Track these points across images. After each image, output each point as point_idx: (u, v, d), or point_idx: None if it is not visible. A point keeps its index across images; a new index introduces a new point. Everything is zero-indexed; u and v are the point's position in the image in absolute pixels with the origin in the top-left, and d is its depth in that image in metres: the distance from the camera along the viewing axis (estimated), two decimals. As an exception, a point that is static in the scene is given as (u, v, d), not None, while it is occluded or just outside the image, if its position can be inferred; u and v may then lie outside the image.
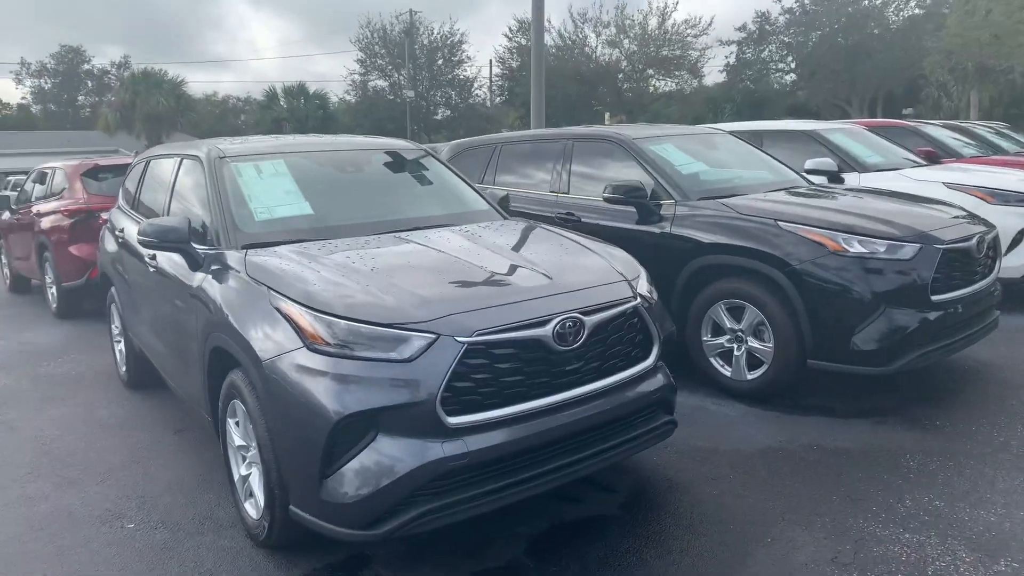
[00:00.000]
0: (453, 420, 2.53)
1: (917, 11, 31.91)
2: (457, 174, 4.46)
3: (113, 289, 5.17)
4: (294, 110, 37.94)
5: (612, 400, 2.92)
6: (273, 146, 4.13)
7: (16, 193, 10.46)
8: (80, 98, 56.46)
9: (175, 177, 4.23)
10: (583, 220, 5.36)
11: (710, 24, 35.20)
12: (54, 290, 7.95)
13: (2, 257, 10.71)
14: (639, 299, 3.07)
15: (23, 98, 56.20)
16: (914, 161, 7.63)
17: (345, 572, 2.86)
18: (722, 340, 4.57)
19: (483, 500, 2.62)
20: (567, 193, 5.62)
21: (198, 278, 3.36)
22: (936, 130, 9.64)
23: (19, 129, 47.52)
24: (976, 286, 4.33)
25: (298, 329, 2.64)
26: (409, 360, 2.51)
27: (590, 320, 2.82)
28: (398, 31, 40.40)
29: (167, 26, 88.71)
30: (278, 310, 2.74)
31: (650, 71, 36.78)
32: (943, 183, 6.47)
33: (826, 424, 4.07)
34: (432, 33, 40.92)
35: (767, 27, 33.13)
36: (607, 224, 5.18)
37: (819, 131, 7.43)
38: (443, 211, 4.00)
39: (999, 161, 8.50)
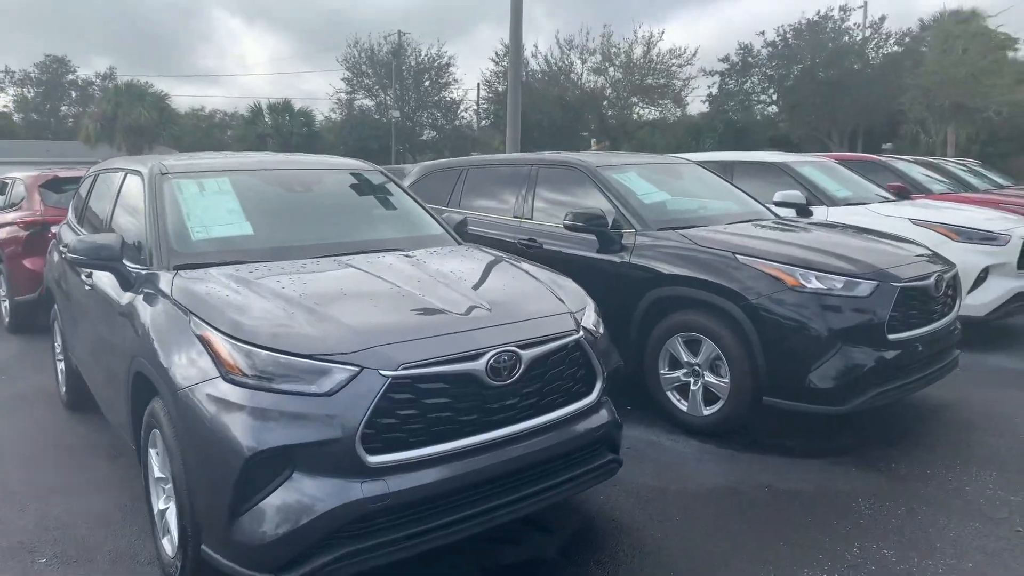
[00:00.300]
0: (374, 459, 2.39)
1: (896, 48, 32.46)
2: (412, 197, 4.36)
3: (56, 306, 4.99)
4: (279, 126, 37.86)
5: (551, 438, 2.80)
6: (220, 164, 4.01)
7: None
8: (63, 108, 55.98)
9: (118, 192, 4.10)
10: (545, 247, 5.27)
11: (695, 55, 35.49)
12: (7, 304, 7.72)
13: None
14: (582, 332, 2.96)
15: (4, 107, 55.70)
16: (883, 196, 7.65)
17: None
18: (679, 374, 4.48)
19: (407, 544, 2.48)
20: (530, 219, 5.53)
21: (127, 298, 3.22)
22: (907, 166, 9.72)
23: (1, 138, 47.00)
24: (935, 325, 4.27)
25: (216, 358, 2.51)
26: (329, 394, 2.38)
27: (528, 354, 2.70)
28: (385, 51, 40.55)
29: (158, 38, 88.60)
30: (198, 336, 2.61)
31: (634, 99, 37.07)
32: (909, 219, 6.47)
33: (781, 464, 3.97)
34: (420, 55, 41.14)
35: (750, 59, 33.57)
36: (568, 252, 5.09)
37: (789, 163, 7.43)
38: (393, 234, 3.90)
39: (967, 198, 8.56)
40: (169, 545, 2.82)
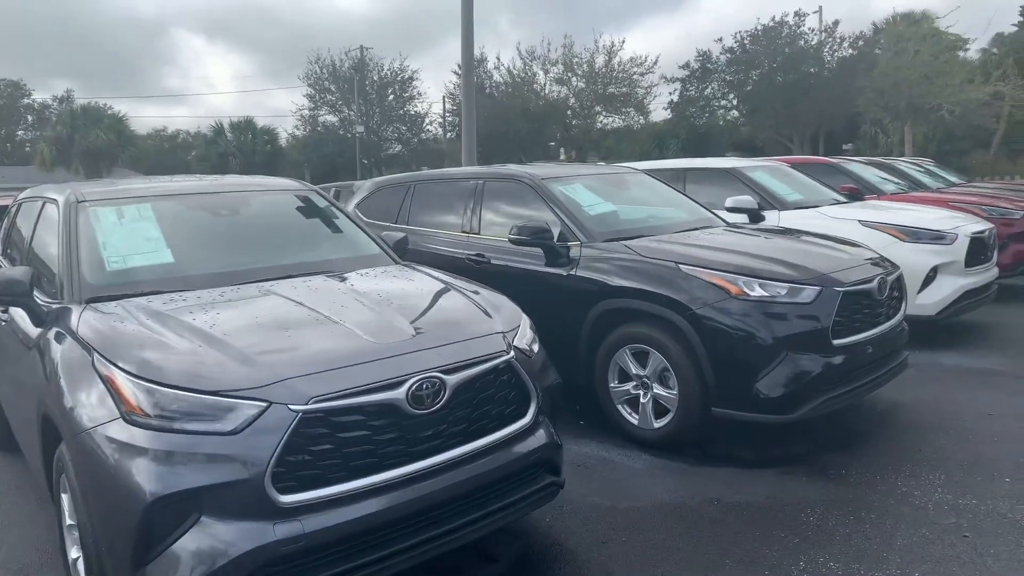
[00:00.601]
0: (287, 498, 2.27)
1: (851, 52, 33.09)
2: (348, 216, 4.24)
3: (-19, 342, 4.77)
4: (241, 145, 37.42)
5: (483, 464, 2.70)
6: (143, 189, 3.85)
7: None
8: (20, 133, 54.88)
9: (36, 222, 3.92)
10: (493, 261, 5.18)
11: (655, 63, 35.84)
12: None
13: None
14: (513, 353, 2.86)
15: (-41, 132, 54.44)
16: (836, 198, 7.69)
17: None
18: (628, 387, 4.40)
19: (330, 584, 2.36)
20: (478, 234, 5.44)
21: (36, 335, 3.06)
22: (860, 167, 9.82)
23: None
24: (880, 328, 4.25)
25: (117, 397, 2.37)
26: (234, 432, 2.25)
27: (453, 379, 2.60)
28: (347, 67, 40.34)
29: (120, 60, 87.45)
30: (100, 376, 2.46)
31: (598, 108, 37.30)
32: (858, 221, 6.49)
33: (732, 476, 3.90)
34: (382, 69, 40.98)
35: (708, 66, 33.98)
36: (516, 266, 5.01)
37: (740, 169, 7.44)
38: (325, 256, 3.77)
39: (917, 198, 8.65)
40: (81, 597, 2.65)
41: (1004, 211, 8.18)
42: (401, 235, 4.35)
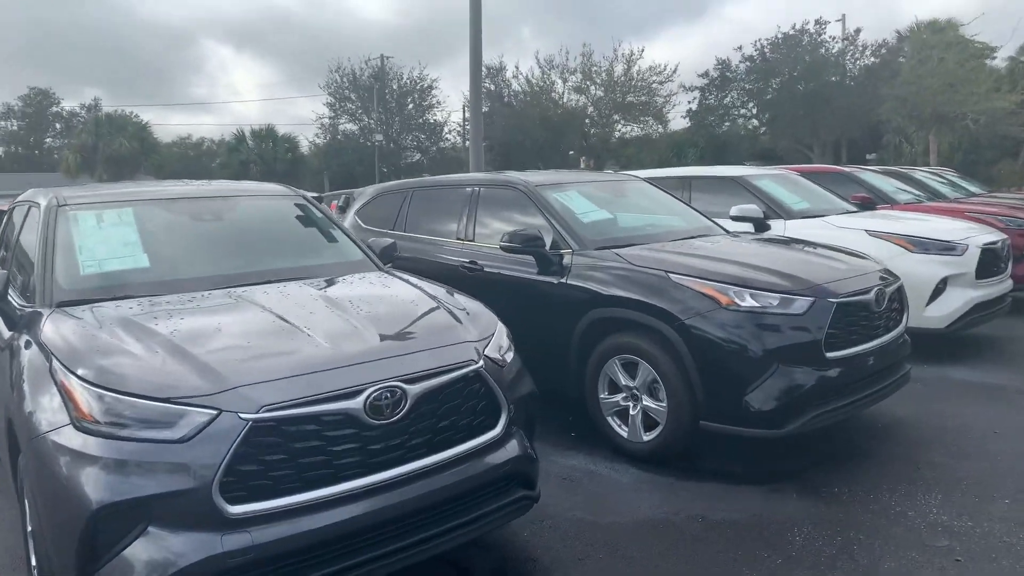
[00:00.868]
0: (236, 509, 2.21)
1: (873, 60, 32.68)
2: (335, 222, 4.21)
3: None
4: (262, 152, 37.80)
5: (447, 477, 2.63)
6: (125, 193, 3.85)
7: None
8: (48, 140, 55.99)
9: (21, 226, 3.93)
10: (486, 269, 5.12)
11: (675, 71, 35.67)
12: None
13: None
14: (482, 362, 2.79)
15: (-11, 140, 55.75)
16: (846, 208, 7.53)
17: None
18: (618, 398, 4.30)
19: (281, 598, 2.30)
20: (472, 241, 5.38)
21: (7, 338, 3.04)
22: (873, 176, 9.63)
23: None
24: (878, 341, 4.11)
25: (70, 403, 2.33)
26: (183, 441, 2.21)
27: (415, 389, 2.54)
28: (367, 76, 40.64)
29: (149, 68, 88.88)
30: (56, 381, 2.43)
31: (616, 116, 37.19)
32: (865, 230, 6.34)
33: (720, 491, 3.79)
34: (402, 78, 41.23)
35: (728, 74, 33.72)
36: (508, 273, 4.94)
37: (746, 177, 7.31)
38: (306, 262, 3.73)
39: (931, 208, 8.46)
40: (39, 605, 2.62)
41: (1022, 222, 7.96)
42: (389, 241, 4.31)
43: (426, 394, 2.57)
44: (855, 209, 7.51)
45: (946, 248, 6.07)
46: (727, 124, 35.32)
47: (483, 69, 38.53)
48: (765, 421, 3.76)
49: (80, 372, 2.38)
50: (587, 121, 37.28)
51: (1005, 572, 2.92)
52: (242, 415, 2.24)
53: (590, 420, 4.50)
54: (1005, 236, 6.69)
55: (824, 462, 4.10)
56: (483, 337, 2.96)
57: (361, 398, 2.40)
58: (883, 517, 3.43)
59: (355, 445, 2.41)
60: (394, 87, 41.39)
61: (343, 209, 7.44)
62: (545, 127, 35.91)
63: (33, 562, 2.71)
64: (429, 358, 2.66)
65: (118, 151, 31.00)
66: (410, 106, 42.12)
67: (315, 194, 10.46)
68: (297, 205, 4.20)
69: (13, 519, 3.82)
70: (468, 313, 3.14)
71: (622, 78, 36.03)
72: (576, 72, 36.34)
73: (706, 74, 34.38)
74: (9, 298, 3.30)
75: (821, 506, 3.57)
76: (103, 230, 3.48)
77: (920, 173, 12.09)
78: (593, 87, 36.50)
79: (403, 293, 3.31)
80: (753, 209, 6.69)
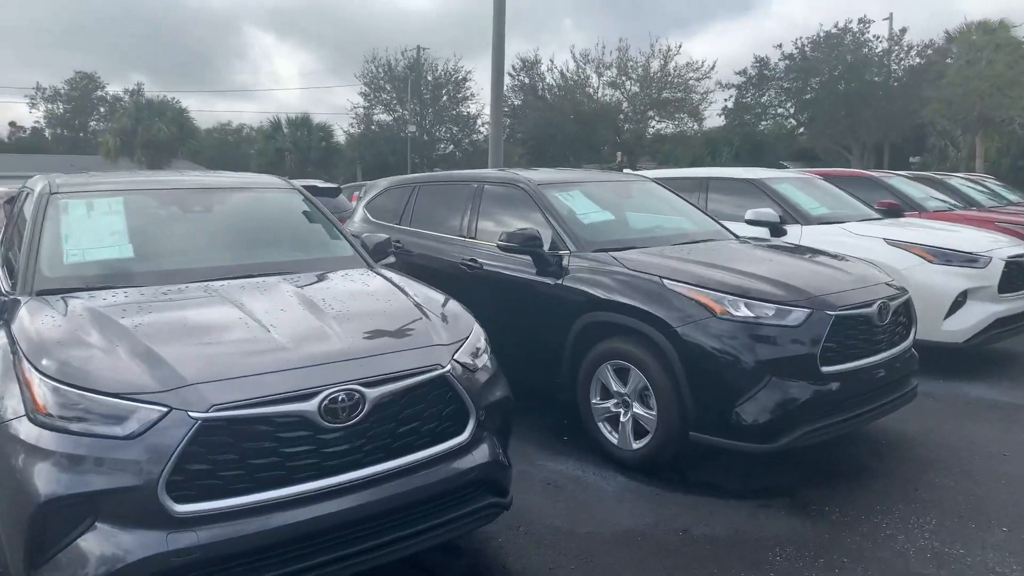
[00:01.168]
0: (182, 508, 2.20)
1: (918, 60, 31.79)
2: (328, 217, 4.18)
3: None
4: (297, 141, 38.15)
5: (409, 482, 2.59)
6: (119, 182, 3.88)
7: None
8: (92, 124, 57.32)
9: (19, 212, 3.98)
10: (485, 267, 5.06)
11: (712, 67, 35.13)
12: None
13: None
14: (450, 366, 2.74)
15: (36, 123, 57.22)
16: (869, 214, 7.30)
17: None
18: (609, 404, 4.22)
19: (228, 600, 2.28)
20: (474, 238, 5.32)
21: (-10, 325, 3.07)
22: (903, 182, 9.34)
23: (30, 153, 48.24)
24: (880, 356, 3.96)
25: (28, 395, 2.34)
26: (131, 437, 2.20)
27: (375, 392, 2.49)
28: (402, 67, 40.78)
29: (193, 55, 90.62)
30: (17, 370, 2.44)
31: (651, 113, 36.77)
32: (884, 239, 6.13)
33: (706, 505, 3.69)
34: (436, 69, 41.28)
35: (766, 72, 33.10)
36: (507, 273, 4.87)
37: (764, 180, 7.13)
38: (291, 257, 3.72)
39: (961, 217, 8.17)
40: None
41: (1057, 234, 7.63)
42: (383, 237, 4.27)
43: (386, 398, 2.52)
44: (878, 216, 7.28)
45: (968, 259, 5.84)
46: (764, 123, 34.73)
47: (519, 62, 38.12)
48: (755, 435, 3.65)
49: (39, 364, 2.39)
50: (621, 117, 36.93)
51: (992, 606, 2.79)
52: (191, 413, 2.22)
53: (583, 425, 4.42)
54: (1033, 249, 6.41)
55: (819, 478, 3.97)
56: (455, 340, 2.91)
57: (316, 400, 2.37)
58: (871, 540, 3.31)
59: (309, 447, 2.38)
60: (429, 78, 41.48)
61: None
62: (578, 121, 35.66)
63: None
64: (392, 361, 2.62)
65: (156, 136, 31.59)
66: (444, 98, 42.18)
67: (334, 185, 10.52)
68: (291, 199, 4.19)
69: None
70: (445, 315, 3.09)
71: (658, 74, 35.61)
72: (612, 67, 36.02)
73: (744, 72, 33.81)
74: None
75: (808, 525, 3.46)
76: (92, 219, 3.51)
77: (956, 180, 11.70)
78: (628, 82, 36.14)
79: (381, 293, 3.26)
80: (769, 213, 6.54)
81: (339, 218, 7.47)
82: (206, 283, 3.16)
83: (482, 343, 3.10)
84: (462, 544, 3.29)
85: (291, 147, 37.97)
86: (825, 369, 3.71)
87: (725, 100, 34.98)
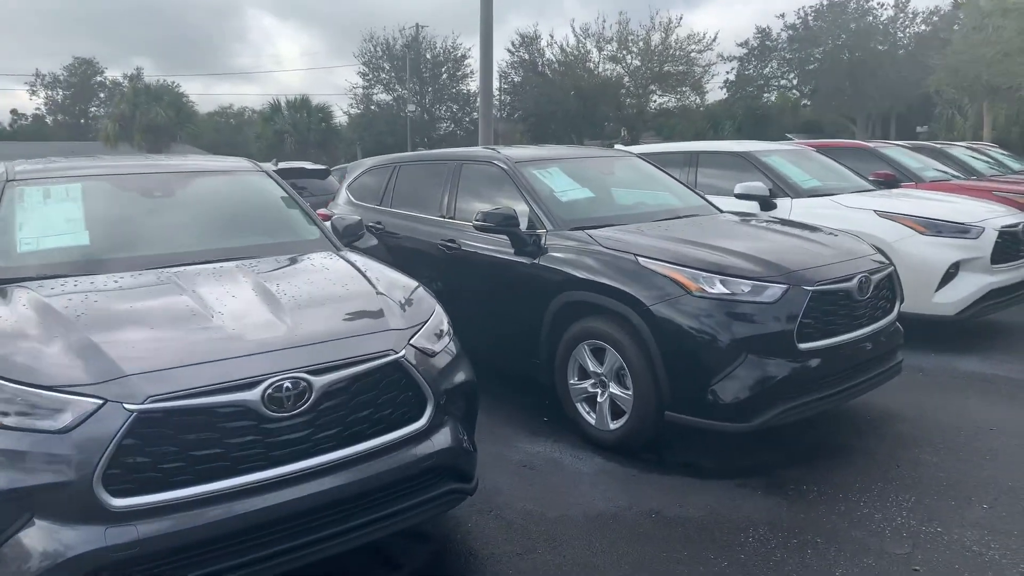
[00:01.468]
0: (120, 502, 2.14)
1: (924, 28, 31.24)
2: (296, 200, 4.09)
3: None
4: (296, 123, 37.94)
5: (362, 470, 2.53)
6: (79, 168, 3.78)
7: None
8: (92, 109, 57.14)
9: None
10: (463, 248, 4.98)
11: (714, 40, 34.61)
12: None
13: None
14: (405, 351, 2.67)
15: (36, 109, 57.12)
16: (863, 186, 7.16)
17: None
18: (587, 384, 4.15)
19: (173, 594, 2.24)
20: (452, 218, 5.23)
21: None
22: (899, 152, 9.16)
23: (32, 140, 48.16)
24: (861, 331, 3.87)
25: (-36, 388, 2.28)
26: (64, 431, 2.14)
27: (322, 380, 2.43)
28: (400, 45, 40.39)
29: (193, 39, 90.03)
30: (-45, 365, 2.38)
31: (653, 87, 36.35)
32: (874, 211, 6.01)
33: (681, 486, 3.63)
34: (435, 47, 40.88)
35: (768, 43, 32.60)
36: (485, 253, 4.79)
37: (754, 153, 6.99)
38: (254, 241, 3.63)
39: (957, 187, 8.02)
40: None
41: (1056, 203, 7.49)
42: (355, 219, 4.18)
43: (335, 385, 2.46)
44: (871, 187, 7.14)
45: (959, 230, 5.71)
46: (767, 95, 34.29)
47: (518, 38, 37.57)
48: (731, 414, 3.57)
49: None
50: (622, 92, 36.52)
51: (965, 586, 2.73)
52: (127, 405, 2.16)
53: (562, 406, 4.36)
54: (1029, 218, 6.28)
55: (800, 457, 3.90)
56: (413, 325, 2.83)
57: (259, 389, 2.30)
58: (847, 519, 3.24)
59: (254, 438, 2.32)
60: (428, 57, 41.09)
61: None
62: (578, 97, 35.31)
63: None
64: (342, 348, 2.54)
65: (154, 120, 31.44)
66: (444, 76, 41.82)
67: (322, 166, 10.41)
68: (259, 182, 4.11)
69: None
70: (405, 299, 3.01)
71: (659, 47, 35.15)
72: (612, 41, 35.57)
73: (745, 43, 33.32)
74: None
75: (784, 505, 3.39)
76: (48, 206, 3.44)
77: (957, 149, 11.49)
78: (629, 56, 35.70)
79: (341, 278, 3.18)
80: (759, 187, 6.43)
81: (328, 200, 7.40)
82: (161, 270, 3.09)
83: (444, 327, 3.03)
84: (431, 529, 3.25)
85: (290, 129, 37.77)
86: (803, 346, 3.62)
87: (727, 73, 34.55)
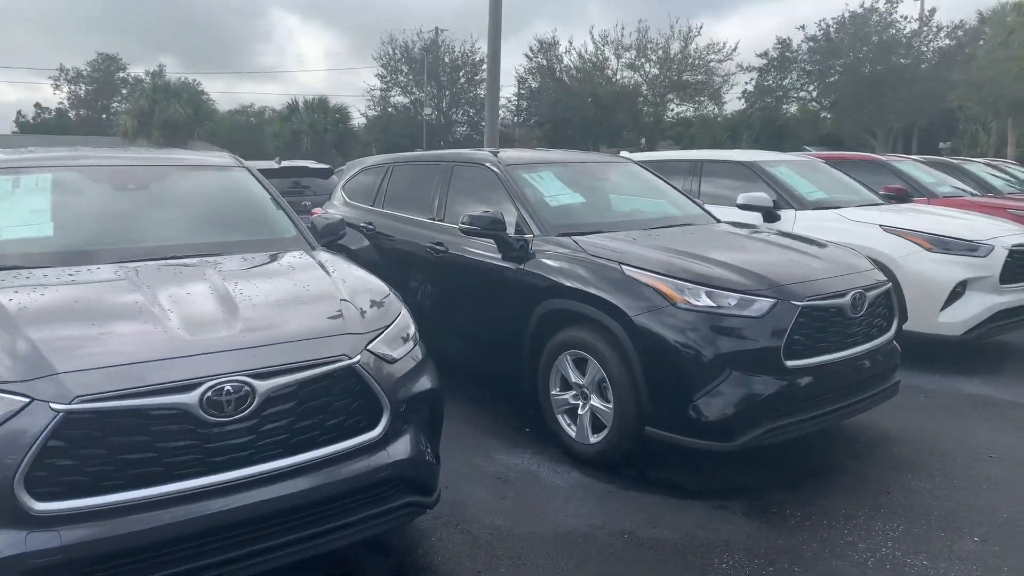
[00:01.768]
0: (42, 506, 2.04)
1: (948, 42, 30.79)
2: (274, 197, 3.99)
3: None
4: (313, 123, 38.09)
5: (309, 480, 2.41)
6: (53, 158, 3.71)
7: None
8: (114, 105, 57.73)
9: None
10: (451, 251, 4.86)
11: (734, 49, 34.35)
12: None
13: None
14: (360, 357, 2.55)
15: (60, 103, 57.85)
16: (872, 199, 6.97)
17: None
18: (568, 396, 4.02)
19: (103, 604, 2.12)
20: (443, 221, 5.12)
21: None
22: (912, 166, 8.95)
23: (53, 133, 48.74)
24: (854, 350, 3.71)
25: None
26: (-15, 431, 2.03)
27: (266, 384, 2.31)
28: (419, 48, 40.48)
29: (217, 37, 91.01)
30: None
31: (671, 95, 36.14)
32: (880, 226, 5.82)
33: (659, 505, 3.48)
34: (453, 51, 40.93)
35: (788, 54, 32.26)
36: (472, 257, 4.68)
37: (759, 163, 6.82)
38: (225, 238, 3.53)
39: (967, 203, 7.80)
40: None
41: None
42: (337, 219, 4.08)
43: (281, 390, 2.34)
44: (880, 201, 6.95)
45: (967, 248, 5.51)
46: (786, 107, 33.94)
47: (536, 44, 37.49)
48: (713, 432, 3.42)
49: None
50: (640, 99, 36.34)
51: (948, 625, 2.56)
52: (53, 405, 2.05)
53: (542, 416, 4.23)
54: (1043, 237, 6.06)
55: (787, 478, 3.74)
56: (373, 329, 2.71)
57: (196, 392, 2.19)
58: (829, 547, 3.08)
59: (191, 442, 2.21)
60: (446, 60, 41.15)
61: None
62: (596, 104, 35.17)
63: None
64: (292, 351, 2.43)
65: (172, 117, 31.67)
66: (461, 80, 41.85)
67: (325, 166, 10.34)
68: (238, 178, 4.01)
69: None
70: (368, 302, 2.89)
71: (678, 56, 34.96)
72: (631, 49, 35.41)
73: (765, 54, 33.02)
74: None
75: (764, 530, 3.23)
76: (15, 196, 3.36)
77: (975, 165, 11.24)
78: (648, 64, 35.53)
79: (305, 279, 3.06)
80: (762, 197, 6.29)
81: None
82: (121, 265, 2.99)
83: (409, 332, 2.91)
84: (393, 541, 3.13)
85: (307, 129, 37.93)
86: (791, 363, 3.46)
87: (746, 83, 34.27)
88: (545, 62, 37.49)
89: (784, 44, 32.12)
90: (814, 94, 33.24)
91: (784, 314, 3.46)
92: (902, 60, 30.16)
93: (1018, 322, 5.71)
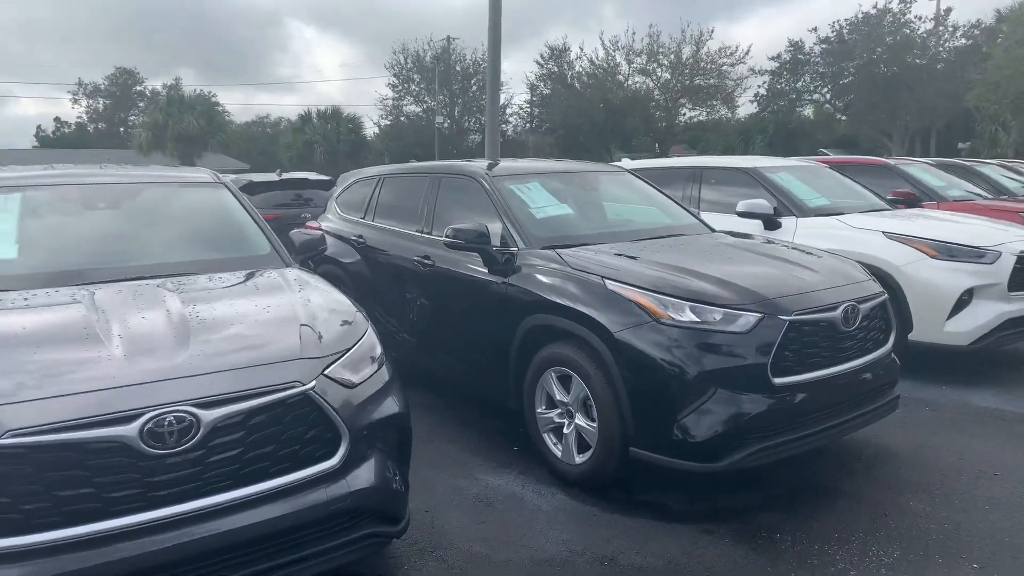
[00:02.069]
0: (-26, 545, 1.96)
1: (964, 42, 30.34)
2: (251, 212, 3.92)
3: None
4: (326, 133, 38.25)
5: (261, 513, 2.31)
6: (24, 177, 3.65)
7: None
8: (132, 118, 58.48)
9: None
10: (438, 265, 4.77)
11: (747, 53, 34.09)
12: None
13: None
14: (316, 383, 2.45)
15: (79, 117, 58.70)
16: (879, 205, 6.78)
17: None
18: (553, 414, 3.90)
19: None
20: (430, 234, 5.03)
21: None
22: (921, 170, 8.74)
23: (73, 147, 49.44)
24: (848, 365, 3.56)
25: None
26: (-85, 467, 1.96)
27: (212, 414, 2.22)
28: (430, 57, 40.60)
29: (235, 49, 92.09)
30: None
31: (683, 100, 35.93)
32: (883, 232, 5.64)
33: (645, 529, 3.34)
34: (464, 60, 41.00)
35: (800, 56, 31.94)
36: (458, 271, 4.58)
37: (759, 169, 6.66)
38: (194, 257, 3.45)
39: (980, 207, 7.59)
40: None
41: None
42: (317, 235, 4.02)
43: (228, 420, 2.25)
44: (886, 206, 6.77)
45: (974, 254, 5.33)
46: (799, 109, 33.61)
47: (547, 50, 37.41)
48: (699, 453, 3.29)
49: None
50: (652, 104, 36.17)
51: (939, 663, 2.41)
52: (-16, 440, 1.98)
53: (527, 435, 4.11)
54: (1055, 242, 5.84)
55: (778, 499, 3.59)
56: (332, 353, 2.61)
57: (136, 424, 2.11)
58: (818, 574, 2.93)
59: (132, 476, 2.12)
60: (457, 69, 41.23)
61: None
62: (607, 110, 35.04)
63: None
64: (240, 378, 2.33)
65: (186, 129, 31.96)
66: (474, 88, 41.88)
67: (326, 177, 10.30)
68: (213, 194, 3.94)
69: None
70: (329, 325, 2.79)
71: (690, 60, 34.77)
72: (642, 54, 35.28)
73: (777, 57, 32.74)
74: None
75: (751, 556, 3.09)
76: (-18, 218, 3.30)
77: (988, 167, 10.99)
78: (659, 69, 35.36)
79: (268, 300, 2.97)
80: (762, 205, 6.14)
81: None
82: (80, 287, 2.92)
83: (375, 353, 2.81)
84: (364, 570, 3.02)
85: (320, 140, 38.09)
86: (779, 380, 3.32)
87: (759, 86, 33.98)
88: (556, 68, 37.43)
89: (796, 47, 31.81)
90: (828, 96, 32.86)
91: (771, 329, 3.32)
92: (917, 60, 29.75)
93: (1030, 331, 5.50)
